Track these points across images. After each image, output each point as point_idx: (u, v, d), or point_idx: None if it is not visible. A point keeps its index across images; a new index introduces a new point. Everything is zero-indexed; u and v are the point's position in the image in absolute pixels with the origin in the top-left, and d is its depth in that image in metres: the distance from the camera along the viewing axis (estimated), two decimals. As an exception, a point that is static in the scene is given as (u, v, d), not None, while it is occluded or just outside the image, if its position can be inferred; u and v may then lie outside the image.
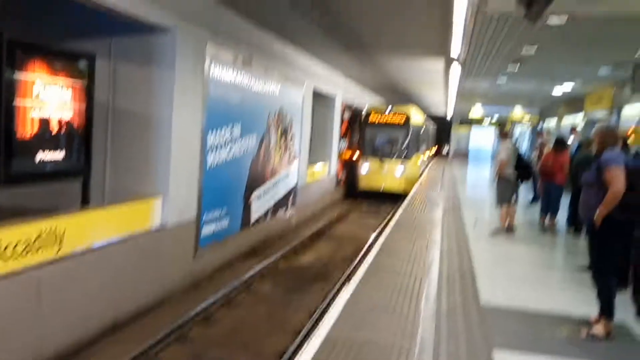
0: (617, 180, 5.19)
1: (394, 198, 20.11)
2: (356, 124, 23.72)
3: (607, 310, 5.34)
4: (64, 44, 8.16)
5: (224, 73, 9.84)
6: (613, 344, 5.21)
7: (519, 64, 13.75)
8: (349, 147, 23.53)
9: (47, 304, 6.27)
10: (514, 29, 9.57)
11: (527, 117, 33.41)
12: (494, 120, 40.83)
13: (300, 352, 4.94)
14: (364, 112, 22.87)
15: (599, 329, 5.34)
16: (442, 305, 6.13)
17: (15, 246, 5.87)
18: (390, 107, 22.46)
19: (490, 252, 9.19)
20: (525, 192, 12.48)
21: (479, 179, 27.33)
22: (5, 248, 5.75)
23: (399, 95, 27.12)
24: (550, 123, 29.36)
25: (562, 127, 26.13)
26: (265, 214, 12.44)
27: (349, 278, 8.57)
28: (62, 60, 7.31)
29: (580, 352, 5.01)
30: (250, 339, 7.45)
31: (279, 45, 12.59)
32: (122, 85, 8.48)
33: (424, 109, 36.19)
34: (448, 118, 44.35)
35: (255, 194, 11.69)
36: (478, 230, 10.80)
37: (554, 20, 8.67)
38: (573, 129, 12.65)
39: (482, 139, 46.40)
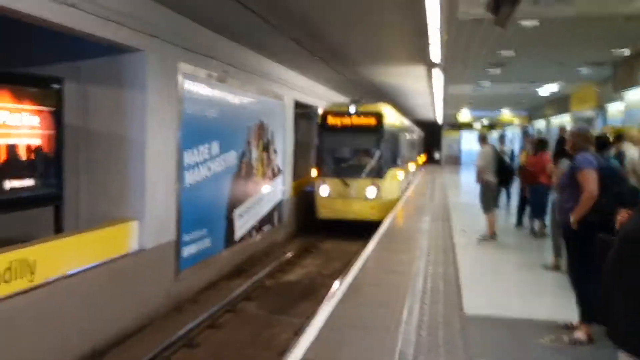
0: (590, 182, 5.12)
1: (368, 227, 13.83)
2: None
3: (587, 314, 5.24)
4: (32, 70, 8.06)
5: (199, 90, 9.74)
6: (595, 348, 5.09)
7: (499, 67, 13.71)
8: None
9: (21, 335, 6.12)
10: (488, 34, 9.50)
11: (516, 119, 33.40)
12: (484, 124, 40.86)
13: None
14: (319, 113, 16.95)
15: (580, 334, 5.23)
16: (424, 316, 6.00)
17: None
18: (353, 104, 16.32)
19: (476, 260, 9.08)
20: (513, 196, 12.35)
21: (470, 184, 27.19)
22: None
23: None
24: (540, 124, 29.37)
25: (551, 128, 26.16)
26: (250, 232, 12.28)
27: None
28: (28, 86, 7.17)
29: (563, 359, 4.91)
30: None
31: (256, 59, 12.52)
32: (94, 107, 8.37)
33: (411, 114, 36.14)
34: (438, 123, 44.37)
35: (237, 211, 11.54)
36: (466, 239, 10.68)
37: (526, 23, 8.62)
38: (561, 129, 12.56)
39: (472, 142, 46.38)
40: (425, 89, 21.00)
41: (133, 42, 7.89)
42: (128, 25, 7.68)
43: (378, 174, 15.67)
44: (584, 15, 8.04)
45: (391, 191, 16.49)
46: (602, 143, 6.89)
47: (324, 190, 15.71)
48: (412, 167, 26.28)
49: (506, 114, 32.48)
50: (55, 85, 7.52)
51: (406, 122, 24.34)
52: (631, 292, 2.73)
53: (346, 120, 16.10)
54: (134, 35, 7.86)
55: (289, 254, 13.09)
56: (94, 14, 6.98)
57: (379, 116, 16.10)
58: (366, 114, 16.11)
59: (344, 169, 15.84)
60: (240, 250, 11.73)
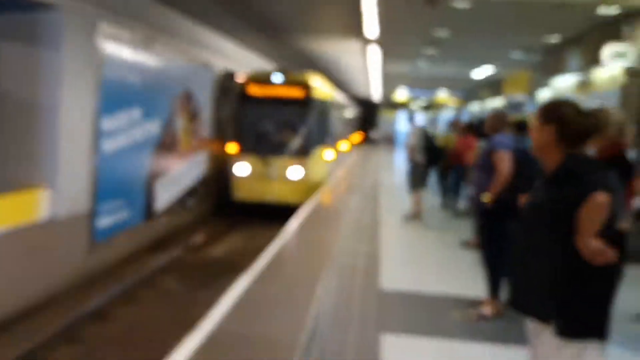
0: (504, 163, 5.18)
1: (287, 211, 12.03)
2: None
3: (494, 290, 5.34)
4: None
5: (121, 54, 9.28)
6: (499, 323, 5.19)
7: (435, 47, 13.79)
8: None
9: None
10: (422, 12, 9.47)
11: (452, 101, 33.95)
12: (421, 104, 41.35)
13: (178, 347, 4.61)
14: (237, 81, 14.81)
15: (487, 310, 5.32)
16: (340, 292, 5.95)
17: None
18: (278, 72, 14.48)
19: (398, 238, 9.15)
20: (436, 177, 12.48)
21: (403, 164, 27.45)
22: None
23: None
24: (474, 107, 29.95)
25: (485, 111, 26.70)
26: (172, 204, 11.89)
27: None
28: None
29: (468, 333, 5.00)
30: (149, 337, 7.06)
31: (185, 24, 12.08)
32: (3, 67, 7.83)
33: (348, 91, 36.10)
34: (375, 102, 44.60)
35: (159, 182, 11.16)
36: (391, 218, 10.72)
37: (460, 4, 8.62)
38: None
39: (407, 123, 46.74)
40: (362, 65, 21.01)
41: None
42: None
43: (303, 152, 14.04)
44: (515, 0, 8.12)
45: (318, 172, 14.90)
46: (521, 126, 6.98)
47: (240, 168, 13.98)
48: (344, 146, 24.85)
49: (442, 95, 32.97)
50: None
51: (339, 97, 22.46)
52: (530, 258, 2.84)
53: (269, 91, 14.23)
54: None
55: (213, 228, 12.83)
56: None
57: (306, 87, 14.22)
58: (292, 84, 14.24)
59: (264, 146, 14.02)
60: (160, 223, 11.38)
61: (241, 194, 14.04)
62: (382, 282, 6.42)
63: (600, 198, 2.52)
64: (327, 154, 16.19)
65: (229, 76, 15.21)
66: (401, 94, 35.22)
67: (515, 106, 18.65)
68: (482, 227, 5.52)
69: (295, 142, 14.15)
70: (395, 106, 42.94)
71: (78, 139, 8.29)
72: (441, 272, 7.18)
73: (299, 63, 20.38)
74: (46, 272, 7.75)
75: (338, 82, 28.99)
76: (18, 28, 7.77)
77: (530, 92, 17.23)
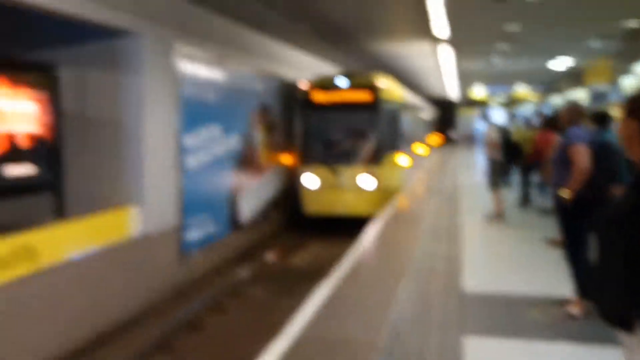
0: (581, 157, 5.04)
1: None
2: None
3: (581, 289, 5.18)
4: (30, 55, 8.09)
5: (197, 72, 9.69)
6: (587, 322, 5.04)
7: (508, 42, 13.51)
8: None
9: (25, 319, 6.18)
10: (491, 7, 9.33)
11: (531, 94, 32.96)
12: (500, 100, 40.38)
13: (265, 352, 4.79)
14: (300, 89, 13.92)
15: (574, 309, 5.18)
16: (421, 295, 5.96)
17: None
18: (342, 76, 13.59)
19: (480, 239, 9.03)
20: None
21: (483, 163, 26.81)
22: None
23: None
24: (556, 100, 28.94)
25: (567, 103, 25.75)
26: (255, 216, 12.23)
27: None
28: (24, 72, 7.19)
29: (554, 334, 4.87)
30: (237, 343, 7.32)
31: (257, 39, 12.42)
32: (91, 93, 8.35)
33: (424, 93, 35.68)
34: (453, 101, 43.90)
35: (242, 195, 11.52)
36: (473, 218, 10.59)
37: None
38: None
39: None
40: (435, 65, 20.79)
41: (127, 25, 7.85)
42: (122, 8, 7.64)
43: (374, 159, 13.06)
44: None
45: (391, 179, 13.79)
46: (601, 118, 6.72)
47: (308, 180, 13.30)
48: (421, 149, 23.43)
49: (521, 90, 32.05)
50: (50, 72, 7.54)
51: (411, 98, 20.71)
52: (610, 268, 2.65)
53: (334, 96, 13.33)
54: (128, 18, 7.82)
55: (292, 238, 13.07)
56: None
57: (373, 90, 13.17)
58: (358, 87, 13.26)
59: (332, 155, 13.24)
60: (244, 235, 11.73)
61: (311, 207, 13.37)
62: (463, 284, 6.37)
63: None
64: (401, 159, 14.99)
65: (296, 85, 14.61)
66: (479, 92, 34.51)
67: (598, 97, 17.94)
68: (562, 224, 5.37)
69: (365, 149, 13.20)
70: (473, 104, 42.13)
71: (162, 157, 8.71)
72: (525, 272, 7.03)
73: (370, 67, 20.40)
74: (139, 285, 8.18)
75: (412, 84, 28.78)
76: (102, 55, 8.28)
77: (613, 81, 16.52)
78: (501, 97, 39.65)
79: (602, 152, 5.10)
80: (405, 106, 17.05)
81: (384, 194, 13.14)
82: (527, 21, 10.67)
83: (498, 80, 27.15)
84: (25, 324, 6.23)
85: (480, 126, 40.74)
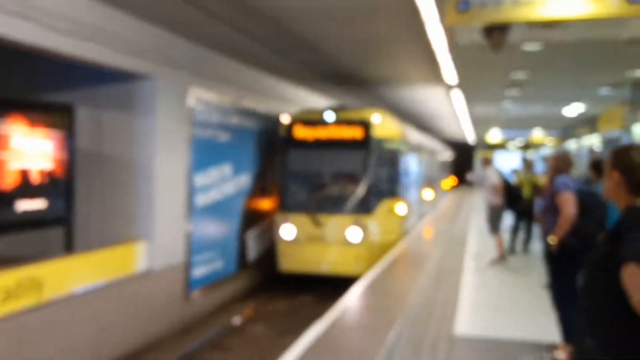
0: (568, 205, 5.18)
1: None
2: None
3: (567, 335, 5.26)
4: (49, 96, 8.49)
5: (211, 114, 10.02)
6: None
7: (516, 88, 13.72)
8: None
9: (28, 351, 6.37)
10: (495, 58, 9.56)
11: (548, 139, 33.01)
12: (517, 144, 40.44)
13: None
14: (283, 123, 12.33)
15: (561, 354, 5.25)
16: (411, 340, 6.06)
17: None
18: (331, 111, 11.74)
19: (479, 283, 9.10)
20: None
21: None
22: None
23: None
24: (571, 144, 29.01)
25: (581, 149, 25.81)
26: (262, 253, 12.37)
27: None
28: (40, 112, 7.55)
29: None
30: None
31: (271, 82, 12.79)
32: (106, 132, 8.71)
33: (441, 136, 35.86)
34: (470, 144, 44.04)
35: (251, 232, 11.72)
36: (477, 262, 10.66)
37: (530, 47, 8.69)
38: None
39: (506, 163, 45.74)
40: (449, 110, 21.05)
41: (142, 69, 8.22)
42: (137, 54, 8.02)
43: (365, 207, 11.15)
44: (584, 40, 8.08)
45: (386, 231, 11.95)
46: (597, 167, 6.88)
47: (287, 231, 11.36)
48: (428, 194, 21.15)
49: (537, 134, 32.15)
50: (66, 112, 7.90)
51: (419, 137, 18.56)
52: (592, 315, 2.68)
53: (320, 133, 11.61)
54: (144, 63, 8.20)
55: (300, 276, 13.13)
56: (105, 45, 7.34)
57: (365, 126, 11.42)
58: (348, 123, 11.50)
59: (315, 201, 11.48)
60: (252, 272, 11.88)
61: (287, 263, 11.36)
62: (455, 327, 6.46)
63: (632, 270, 2.21)
64: (399, 207, 12.98)
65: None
66: (495, 135, 34.67)
67: (610, 142, 17.99)
68: (550, 271, 5.50)
69: (356, 195, 11.26)
70: (491, 148, 42.22)
71: (172, 195, 8.98)
72: (519, 316, 7.10)
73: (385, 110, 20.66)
74: (144, 320, 8.36)
75: (427, 127, 29.04)
76: (118, 96, 8.65)
77: (626, 128, 16.60)
78: (518, 141, 39.71)
79: (591, 201, 5.24)
80: (409, 146, 15.17)
81: (376, 250, 11.26)
82: (533, 69, 10.89)
83: (514, 124, 27.33)
84: (28, 354, 6.42)
85: (505, 168, 40.67)
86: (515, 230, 11.67)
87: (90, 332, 7.35)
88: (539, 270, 9.79)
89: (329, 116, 11.49)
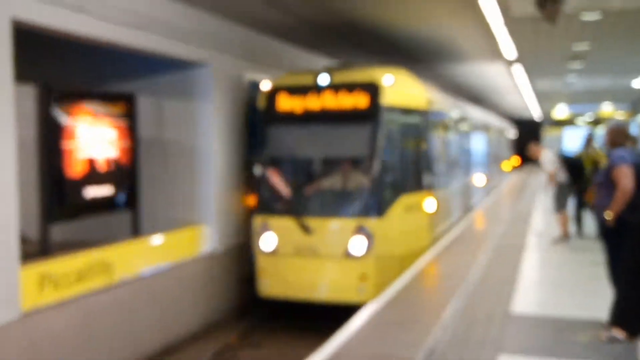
0: (625, 178, 5.04)
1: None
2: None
3: (624, 313, 5.14)
4: (110, 87, 8.88)
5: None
6: (633, 345, 5.00)
7: (579, 60, 13.28)
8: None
9: (97, 330, 6.74)
10: (553, 29, 9.31)
11: (618, 113, 31.71)
12: (586, 119, 39.02)
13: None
14: (261, 92, 9.24)
15: (618, 332, 5.13)
16: (467, 316, 6.07)
17: (68, 276, 6.43)
18: (324, 73, 8.57)
19: (540, 261, 8.97)
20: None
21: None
22: (59, 278, 6.32)
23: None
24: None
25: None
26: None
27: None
28: (104, 102, 7.91)
29: (593, 355, 4.90)
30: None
31: (327, 64, 12.86)
32: (166, 120, 9.03)
33: (505, 113, 34.88)
34: (536, 121, 42.76)
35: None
36: (539, 241, 10.48)
37: (588, 16, 8.41)
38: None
39: (575, 139, 44.08)
40: (511, 86, 20.55)
41: (199, 57, 8.48)
42: (194, 42, 8.28)
43: (375, 206, 8.06)
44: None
45: (406, 238, 8.73)
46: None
47: (265, 240, 8.34)
48: (480, 179, 17.21)
49: (606, 109, 30.93)
50: (129, 101, 8.24)
51: (462, 108, 13.99)
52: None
53: (312, 103, 8.42)
54: (200, 50, 8.45)
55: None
56: (163, 35, 7.63)
57: (374, 91, 8.18)
58: (350, 89, 8.26)
59: (304, 199, 8.41)
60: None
61: (267, 285, 8.38)
62: (513, 305, 6.41)
63: None
64: (428, 203, 9.24)
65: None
66: (562, 111, 33.56)
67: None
68: (605, 247, 5.37)
69: (361, 190, 8.21)
70: (558, 124, 40.87)
71: (230, 179, 9.24)
72: (579, 294, 6.96)
73: (450, 89, 20.38)
74: (208, 299, 8.68)
75: (494, 105, 28.37)
76: (177, 84, 8.95)
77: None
78: (587, 116, 38.29)
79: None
80: (445, 119, 11.60)
81: (390, 265, 8.15)
82: (595, 40, 10.51)
83: (581, 99, 26.43)
84: (99, 334, 6.80)
85: (569, 145, 39.24)
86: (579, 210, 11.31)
87: (157, 312, 7.70)
88: (600, 248, 9.55)
89: (323, 79, 8.37)
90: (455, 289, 7.06)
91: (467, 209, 14.32)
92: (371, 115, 8.16)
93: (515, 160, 36.30)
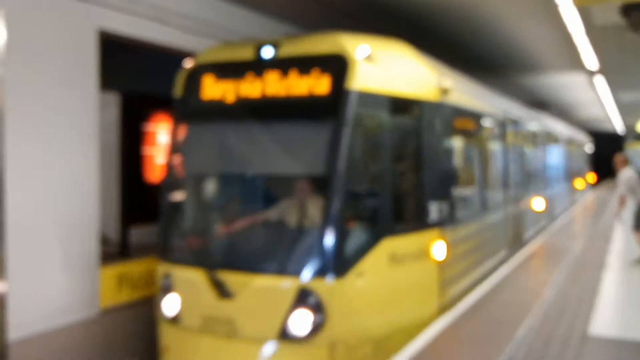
0: None
1: None
2: None
3: None
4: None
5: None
6: None
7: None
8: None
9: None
10: (638, 37, 8.92)
11: None
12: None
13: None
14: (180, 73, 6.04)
15: None
16: (542, 335, 5.87)
17: (144, 278, 6.67)
18: (270, 45, 5.47)
19: (621, 282, 8.55)
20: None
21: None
22: (136, 279, 6.56)
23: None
24: None
25: None
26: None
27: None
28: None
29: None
30: None
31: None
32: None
33: (584, 127, 33.45)
34: (618, 134, 40.93)
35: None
36: (620, 260, 10.01)
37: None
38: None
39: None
40: (591, 97, 19.81)
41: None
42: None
43: (330, 258, 4.96)
44: None
45: (388, 309, 5.54)
46: None
47: (169, 304, 5.47)
48: (539, 203, 13.27)
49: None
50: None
51: (504, 105, 10.53)
52: None
53: (247, 88, 5.49)
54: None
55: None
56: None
57: (340, 67, 5.17)
58: (303, 64, 5.32)
59: (224, 244, 5.80)
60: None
61: None
62: (590, 326, 6.15)
63: None
64: (437, 247, 6.10)
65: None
66: (647, 124, 31.98)
67: None
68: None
69: (311, 231, 5.35)
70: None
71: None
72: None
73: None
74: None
75: (574, 119, 27.33)
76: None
77: None
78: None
79: None
80: (478, 119, 8.50)
81: (359, 355, 5.17)
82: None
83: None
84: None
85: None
86: None
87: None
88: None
89: (267, 52, 5.51)
90: (530, 306, 6.85)
91: (516, 244, 10.63)
92: (333, 105, 5.13)
93: (591, 177, 32.68)
